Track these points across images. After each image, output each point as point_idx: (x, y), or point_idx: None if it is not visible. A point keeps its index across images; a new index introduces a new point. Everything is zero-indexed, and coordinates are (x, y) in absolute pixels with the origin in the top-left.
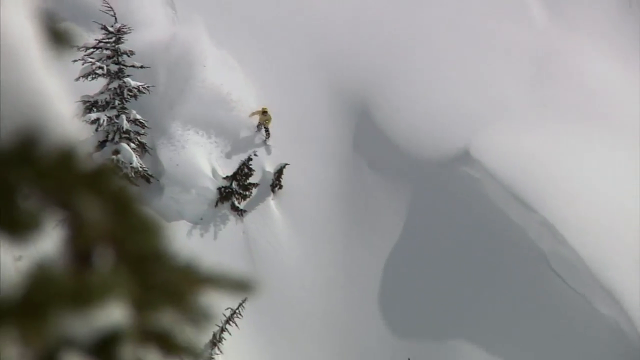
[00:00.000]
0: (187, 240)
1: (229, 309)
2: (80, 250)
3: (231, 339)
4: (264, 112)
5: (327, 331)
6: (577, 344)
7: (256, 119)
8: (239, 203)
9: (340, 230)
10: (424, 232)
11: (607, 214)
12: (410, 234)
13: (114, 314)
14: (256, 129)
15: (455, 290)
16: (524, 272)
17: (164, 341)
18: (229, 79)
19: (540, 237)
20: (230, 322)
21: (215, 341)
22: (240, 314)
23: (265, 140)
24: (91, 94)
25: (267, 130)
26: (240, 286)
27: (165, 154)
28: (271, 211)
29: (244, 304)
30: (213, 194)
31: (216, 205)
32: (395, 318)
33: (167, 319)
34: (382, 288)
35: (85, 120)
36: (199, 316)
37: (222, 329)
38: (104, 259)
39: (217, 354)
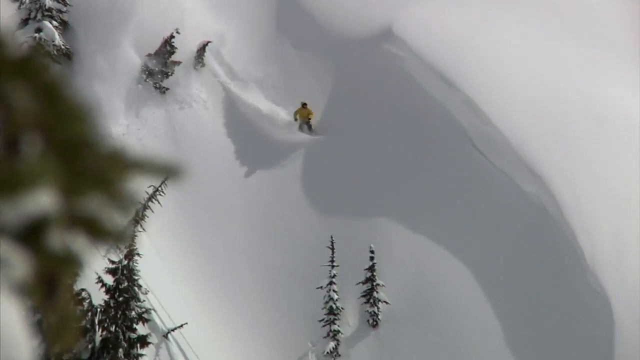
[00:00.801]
0: (110, 118)
1: (152, 187)
2: (8, 137)
3: (153, 217)
4: (304, 106)
5: (249, 210)
6: (499, 221)
7: (303, 116)
8: (161, 81)
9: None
10: (346, 111)
11: (531, 92)
12: (333, 112)
13: (42, 200)
14: (299, 129)
15: (377, 169)
16: (446, 150)
17: (91, 226)
18: None
19: (463, 115)
20: (153, 200)
21: (138, 219)
22: (162, 192)
23: (311, 130)
24: None
25: (308, 124)
26: (166, 171)
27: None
28: (194, 89)
29: (166, 182)
30: (136, 71)
31: (139, 83)
32: (318, 197)
33: (95, 205)
34: (305, 167)
35: None
36: (125, 201)
37: (145, 207)
38: (33, 146)
39: (140, 232)
